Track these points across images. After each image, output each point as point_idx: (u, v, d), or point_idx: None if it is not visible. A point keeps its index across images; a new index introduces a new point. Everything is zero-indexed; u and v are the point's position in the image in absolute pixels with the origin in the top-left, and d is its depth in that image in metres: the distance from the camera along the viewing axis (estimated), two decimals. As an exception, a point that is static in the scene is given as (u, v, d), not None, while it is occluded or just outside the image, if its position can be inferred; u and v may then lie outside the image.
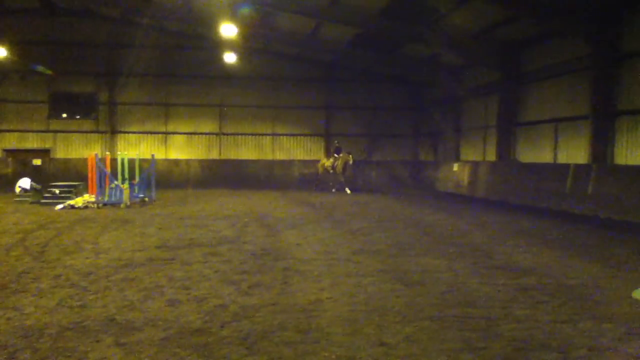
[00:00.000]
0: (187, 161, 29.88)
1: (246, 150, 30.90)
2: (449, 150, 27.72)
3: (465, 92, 26.13)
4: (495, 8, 17.75)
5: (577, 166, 16.20)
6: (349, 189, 23.32)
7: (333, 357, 4.22)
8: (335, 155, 24.30)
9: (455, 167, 25.00)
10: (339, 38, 25.31)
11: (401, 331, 4.82)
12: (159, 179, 22.14)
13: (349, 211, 15.56)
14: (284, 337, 4.66)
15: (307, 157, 31.12)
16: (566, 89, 18.44)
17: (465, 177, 23.65)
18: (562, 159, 18.72)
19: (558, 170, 16.90)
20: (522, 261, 8.14)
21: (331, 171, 24.26)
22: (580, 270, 7.49)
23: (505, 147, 22.00)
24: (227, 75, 29.79)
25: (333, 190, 23.89)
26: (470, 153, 26.19)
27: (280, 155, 31.06)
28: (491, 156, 23.22)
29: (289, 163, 30.59)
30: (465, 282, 6.72)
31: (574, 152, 17.94)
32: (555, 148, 19.28)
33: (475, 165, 23.19)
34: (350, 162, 23.30)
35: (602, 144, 16.20)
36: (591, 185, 15.09)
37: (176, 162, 29.73)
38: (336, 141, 25.96)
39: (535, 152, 20.47)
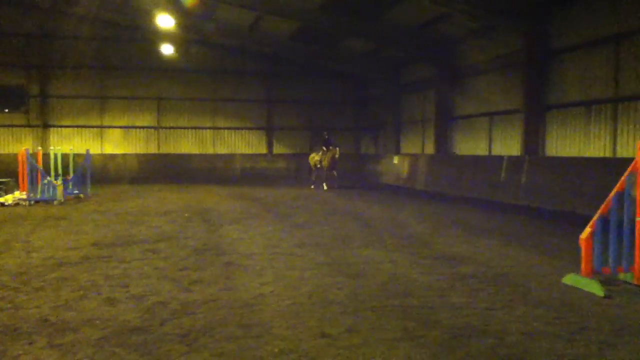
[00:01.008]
0: (124, 156, 29.04)
1: (186, 144, 30.33)
2: (389, 143, 28.15)
3: (405, 87, 26.62)
4: (432, 4, 18.12)
5: (511, 158, 16.81)
6: (326, 185, 21.43)
7: (275, 350, 4.22)
8: (324, 148, 21.95)
9: (396, 159, 25.44)
10: (280, 31, 25.21)
11: (343, 322, 4.87)
12: (95, 175, 21.45)
13: (291, 205, 15.57)
14: (226, 332, 4.62)
15: (249, 151, 30.90)
16: (500, 83, 19.08)
17: (405, 170, 24.11)
18: (497, 151, 19.37)
19: (493, 162, 17.48)
20: (460, 251, 8.38)
21: (318, 166, 22.26)
22: (514, 259, 7.79)
23: (443, 140, 22.58)
24: (165, 67, 29.12)
25: (312, 186, 22.30)
26: (410, 146, 26.70)
27: (221, 149, 30.67)
28: (430, 149, 23.75)
29: (231, 157, 30.27)
30: (405, 273, 6.86)
31: (508, 144, 18.60)
32: (490, 140, 19.93)
33: (414, 157, 23.67)
34: (337, 155, 21.09)
35: (533, 136, 16.87)
36: (524, 176, 15.69)
37: (112, 156, 28.85)
38: (325, 133, 23.27)
39: (471, 144, 21.09)
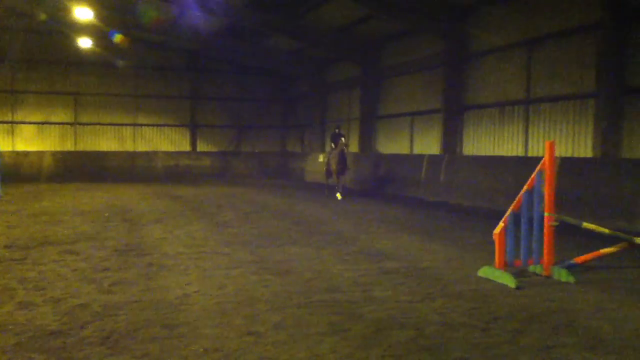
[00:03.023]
0: (39, 153, 27.54)
1: (105, 141, 29.22)
2: (315, 141, 28.38)
3: (330, 85, 26.92)
4: (356, 5, 18.45)
5: (431, 156, 17.42)
6: (340, 192, 16.66)
7: (201, 350, 4.19)
8: (333, 145, 17.44)
9: (321, 158, 25.68)
10: (204, 27, 24.77)
11: (269, 319, 4.91)
12: (7, 173, 20.28)
13: (216, 203, 15.39)
14: (150, 333, 4.54)
15: (172, 149, 30.21)
16: (422, 84, 19.70)
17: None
18: (418, 149, 20.00)
19: (414, 160, 18.05)
20: (383, 246, 8.62)
21: (325, 168, 18.04)
22: (434, 253, 8.11)
23: (367, 139, 23.04)
24: (83, 61, 27.95)
25: (338, 195, 16.68)
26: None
27: (142, 147, 29.79)
28: (355, 147, 24.13)
29: (153, 155, 29.45)
30: (330, 269, 6.98)
31: (429, 143, 19.24)
32: (412, 140, 20.54)
33: (339, 156, 23.94)
34: (346, 150, 16.72)
35: (452, 136, 17.56)
36: (442, 174, 16.30)
37: (26, 154, 27.30)
38: (336, 127, 18.23)
39: (394, 143, 21.65)
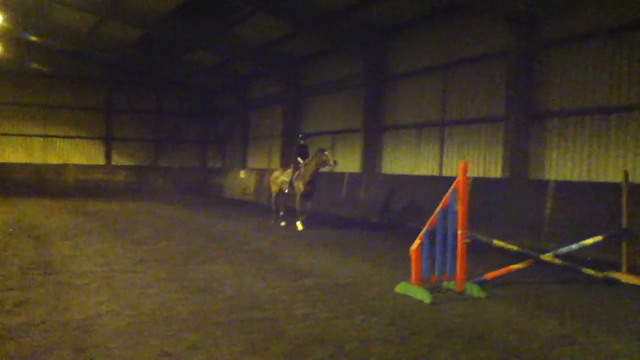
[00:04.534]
0: None
1: (11, 153, 27.59)
2: (236, 157, 28.15)
3: (253, 101, 26.86)
4: (278, 23, 18.60)
5: (351, 174, 17.72)
6: (303, 219, 13.48)
7: (113, 373, 4.00)
8: (300, 160, 13.72)
9: (242, 174, 25.50)
10: (122, 38, 24.10)
11: (186, 339, 4.77)
12: None
13: (132, 220, 14.85)
14: (57, 356, 4.28)
15: (85, 162, 28.95)
16: (343, 103, 20.07)
17: (251, 184, 24.25)
18: (340, 168, 20.27)
19: (335, 178, 18.27)
20: (303, 264, 8.62)
21: (286, 190, 14.00)
22: (353, 270, 8.21)
23: (289, 156, 23.11)
24: (-12, 67, 26.36)
25: (278, 221, 14.21)
26: (258, 161, 26.94)
27: (53, 159, 28.36)
28: (276, 164, 24.14)
29: (63, 167, 28.10)
30: (250, 287, 6.89)
31: (349, 162, 19.56)
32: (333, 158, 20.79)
33: (261, 172, 23.91)
34: (330, 164, 12.92)
35: (372, 154, 17.98)
36: (362, 192, 16.62)
37: None
38: (300, 137, 14.41)
39: (315, 161, 21.81)
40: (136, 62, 27.73)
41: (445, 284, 6.96)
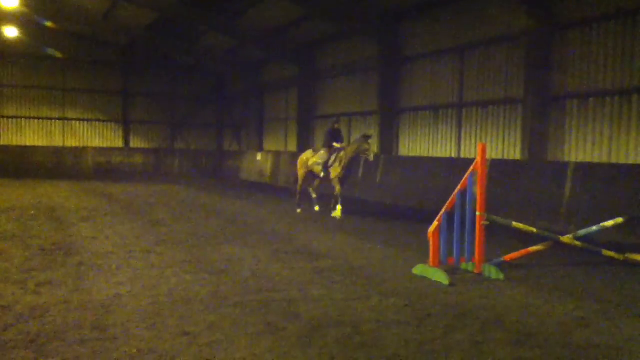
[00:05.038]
0: (-44, 147, 26.01)
1: (31, 136, 27.89)
2: (252, 140, 28.19)
3: (268, 85, 26.81)
4: (292, 6, 18.45)
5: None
6: (339, 206, 12.39)
7: (133, 351, 4.06)
8: (334, 144, 12.79)
9: (259, 157, 25.55)
10: (136, 21, 24.11)
11: (205, 320, 4.82)
12: None
13: (149, 202, 14.99)
14: (79, 335, 4.35)
15: (102, 144, 29.19)
16: (358, 85, 19.93)
17: (268, 167, 24.30)
18: (355, 150, 20.20)
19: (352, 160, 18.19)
20: (319, 246, 8.65)
21: (322, 174, 12.86)
22: (370, 252, 8.21)
23: (305, 138, 23.10)
24: (7, 52, 26.55)
25: (298, 209, 13.30)
26: (273, 143, 26.96)
27: (71, 142, 28.63)
28: (293, 147, 24.15)
29: (82, 150, 28.36)
30: (267, 268, 6.93)
31: (365, 144, 19.46)
32: (349, 140, 20.73)
33: (277, 155, 23.94)
34: (370, 157, 12.04)
35: (388, 137, 17.88)
36: (379, 174, 16.56)
37: (-58, 148, 25.71)
38: (335, 120, 13.56)
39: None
40: (151, 46, 27.76)
41: (463, 265, 6.95)
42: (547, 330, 4.81)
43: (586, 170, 10.63)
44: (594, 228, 7.32)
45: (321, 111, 22.40)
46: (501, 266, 6.85)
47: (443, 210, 6.72)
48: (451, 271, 6.72)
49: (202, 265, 7.01)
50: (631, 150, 11.20)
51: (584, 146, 12.16)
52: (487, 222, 6.70)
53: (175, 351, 4.09)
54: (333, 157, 12.70)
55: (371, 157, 12.04)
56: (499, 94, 14.20)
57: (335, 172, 12.60)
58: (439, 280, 6.34)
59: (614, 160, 11.43)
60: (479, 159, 6.70)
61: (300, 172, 13.52)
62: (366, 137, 12.18)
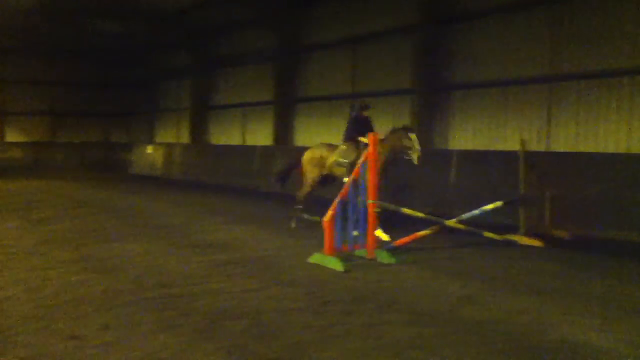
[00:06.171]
0: None
1: None
2: (143, 131, 27.16)
3: (161, 74, 25.91)
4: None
5: (264, 147, 17.63)
6: (383, 232, 8.28)
7: (20, 357, 3.79)
8: (361, 139, 9.04)
9: (150, 149, 24.67)
10: (15, 3, 22.23)
11: (95, 321, 4.59)
12: None
13: (30, 200, 13.98)
14: (-49, 347, 3.99)
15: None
16: (255, 75, 19.83)
17: (160, 160, 23.54)
18: (250, 141, 20.12)
19: (247, 151, 18.13)
20: (217, 238, 8.53)
21: (345, 179, 8.85)
22: (268, 242, 8.22)
23: (199, 130, 22.62)
24: None
25: (292, 221, 9.83)
26: (166, 135, 26.17)
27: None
28: (185, 138, 23.57)
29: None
30: (161, 264, 6.73)
31: (261, 134, 19.44)
32: (244, 131, 20.58)
33: (170, 147, 23.25)
34: (414, 158, 8.62)
35: (284, 127, 17.95)
36: (276, 164, 16.59)
37: None
38: (362, 105, 9.67)
39: (226, 134, 21.54)
40: (32, 29, 25.74)
41: (357, 252, 7.14)
42: (439, 308, 5.08)
43: (467, 157, 11.30)
44: (476, 212, 7.80)
45: (216, 101, 22.04)
46: (393, 251, 7.13)
47: (337, 198, 6.86)
48: (346, 258, 6.88)
49: (90, 265, 6.66)
50: (508, 138, 12.06)
51: (467, 134, 12.93)
52: (379, 209, 6.93)
53: (64, 356, 3.87)
54: (363, 154, 7.91)
55: (415, 159, 8.60)
56: (390, 85, 14.70)
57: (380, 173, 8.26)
58: (334, 268, 6.48)
59: (492, 148, 12.25)
60: (370, 148, 6.91)
61: (313, 174, 9.93)
62: (407, 130, 8.90)
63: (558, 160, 9.94)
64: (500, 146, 12.14)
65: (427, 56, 13.30)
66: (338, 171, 9.45)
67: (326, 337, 4.30)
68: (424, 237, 7.59)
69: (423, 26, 13.29)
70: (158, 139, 26.45)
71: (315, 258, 6.87)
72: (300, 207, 9.99)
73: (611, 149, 10.56)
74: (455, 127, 13.13)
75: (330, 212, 6.76)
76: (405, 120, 14.10)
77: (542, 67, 11.55)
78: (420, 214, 7.58)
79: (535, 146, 11.34)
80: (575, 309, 5.06)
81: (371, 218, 6.92)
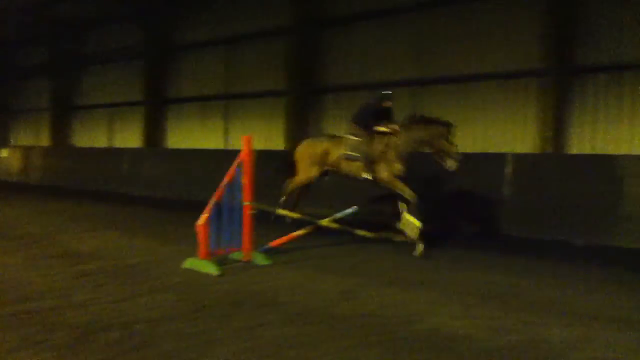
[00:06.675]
0: None
1: None
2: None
3: (18, 72, 23.89)
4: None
5: (133, 150, 16.92)
6: (421, 246, 7.63)
7: None
8: (378, 128, 8.03)
9: (5, 153, 22.72)
10: None
11: (-58, 344, 4.13)
12: None
13: None
14: None
15: None
16: (123, 74, 18.94)
17: (17, 164, 21.75)
18: (118, 143, 19.20)
19: (115, 154, 17.31)
20: (83, 247, 8.04)
21: (364, 175, 8.08)
22: (139, 249, 7.90)
23: (61, 132, 21.20)
24: None
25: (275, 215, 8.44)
26: (23, 137, 24.21)
27: None
28: (46, 140, 21.99)
29: None
30: (20, 277, 6.21)
31: (130, 136, 18.64)
32: (111, 133, 19.60)
33: (28, 150, 21.56)
34: (447, 162, 7.46)
35: (154, 129, 17.36)
36: (145, 168, 15.99)
37: None
38: (384, 95, 8.18)
39: (92, 136, 20.40)
40: None
41: (232, 255, 7.09)
42: (317, 305, 5.20)
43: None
44: (349, 210, 8.04)
45: (82, 101, 20.77)
46: (268, 252, 7.17)
47: (212, 201, 6.77)
48: (221, 262, 6.81)
49: None
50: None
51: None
52: (255, 211, 6.94)
53: None
54: (382, 145, 7.86)
55: (448, 163, 7.46)
56: (264, 86, 14.76)
57: (388, 168, 7.85)
58: (209, 272, 6.38)
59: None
60: (245, 150, 6.89)
61: (311, 173, 8.66)
62: (445, 124, 7.62)
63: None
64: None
65: (299, 58, 13.53)
66: (347, 167, 8.27)
67: (203, 343, 4.22)
68: (300, 237, 7.70)
69: (295, 28, 13.50)
70: (15, 142, 24.38)
71: (189, 263, 6.72)
72: (284, 198, 8.90)
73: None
74: (329, 128, 13.49)
75: (204, 215, 6.64)
76: (280, 120, 14.24)
77: (409, 71, 12.23)
78: (295, 215, 7.69)
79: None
80: (440, 300, 5.43)
81: (246, 220, 6.91)
